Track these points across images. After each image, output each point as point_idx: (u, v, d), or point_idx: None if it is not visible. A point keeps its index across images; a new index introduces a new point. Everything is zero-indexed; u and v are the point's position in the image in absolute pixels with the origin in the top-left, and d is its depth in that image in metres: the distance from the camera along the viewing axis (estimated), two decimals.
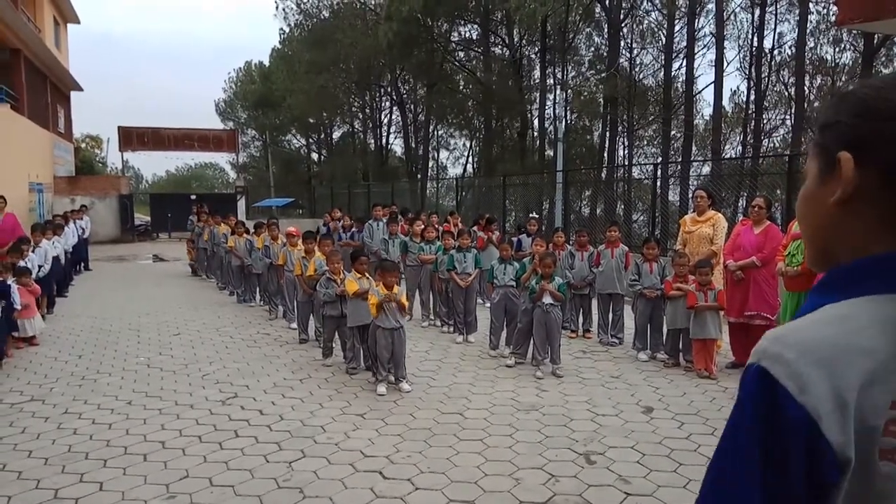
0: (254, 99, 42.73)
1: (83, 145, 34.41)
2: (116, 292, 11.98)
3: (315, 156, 45.17)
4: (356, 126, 38.76)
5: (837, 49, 24.87)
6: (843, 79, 24.28)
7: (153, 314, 9.60)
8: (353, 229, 11.24)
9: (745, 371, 0.77)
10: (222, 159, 54.21)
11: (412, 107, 34.40)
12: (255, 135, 45.59)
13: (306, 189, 36.49)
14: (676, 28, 25.70)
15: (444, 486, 3.79)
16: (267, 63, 42.68)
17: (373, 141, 37.67)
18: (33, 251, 8.76)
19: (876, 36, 22.16)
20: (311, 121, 38.08)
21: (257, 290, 10.21)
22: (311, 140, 44.06)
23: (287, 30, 36.40)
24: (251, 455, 4.29)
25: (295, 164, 44.79)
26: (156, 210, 27.58)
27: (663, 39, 26.23)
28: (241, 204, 26.58)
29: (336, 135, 41.82)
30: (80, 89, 27.86)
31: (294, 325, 8.12)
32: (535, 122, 30.04)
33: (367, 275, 6.17)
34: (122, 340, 7.83)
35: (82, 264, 15.25)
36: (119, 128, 27.68)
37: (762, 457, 0.73)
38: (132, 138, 27.83)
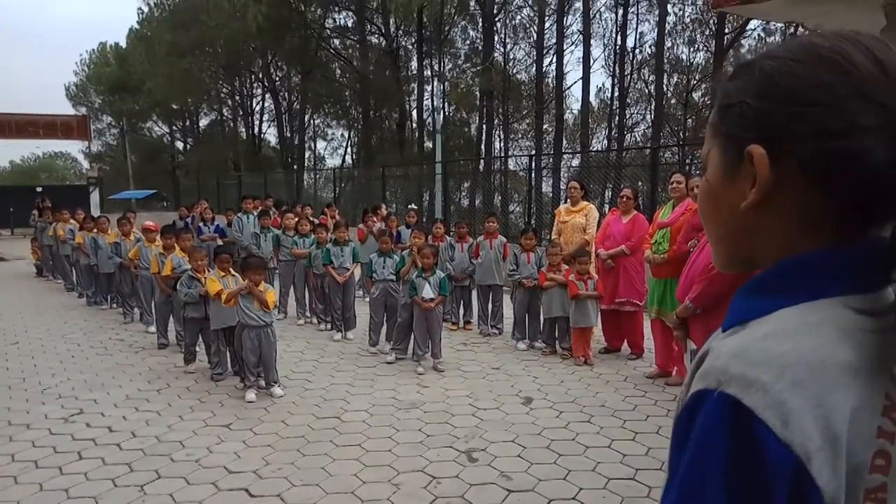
0: (109, 83, 39.19)
1: None
2: None
3: (180, 144, 42.38)
4: (225, 113, 36.79)
5: (692, 49, 26.80)
6: (697, 77, 26.21)
7: None
8: (215, 223, 10.56)
9: (699, 400, 0.59)
10: (74, 148, 49.80)
11: (286, 94, 33.11)
12: (111, 121, 42.01)
13: (170, 180, 34.14)
14: (547, 25, 26.59)
15: (318, 498, 3.51)
16: (124, 44, 39.38)
17: (244, 129, 35.94)
18: None
19: (725, 37, 24.11)
20: (175, 107, 35.59)
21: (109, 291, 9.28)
22: (175, 128, 41.22)
23: (146, 9, 33.87)
24: (96, 479, 3.77)
25: (157, 153, 41.69)
26: None
27: (535, 35, 27.04)
28: (95, 196, 24.30)
29: (203, 122, 39.50)
30: None
31: (152, 328, 7.41)
32: (414, 113, 29.98)
33: (233, 272, 5.70)
34: None
35: None
36: None
37: None
38: None
